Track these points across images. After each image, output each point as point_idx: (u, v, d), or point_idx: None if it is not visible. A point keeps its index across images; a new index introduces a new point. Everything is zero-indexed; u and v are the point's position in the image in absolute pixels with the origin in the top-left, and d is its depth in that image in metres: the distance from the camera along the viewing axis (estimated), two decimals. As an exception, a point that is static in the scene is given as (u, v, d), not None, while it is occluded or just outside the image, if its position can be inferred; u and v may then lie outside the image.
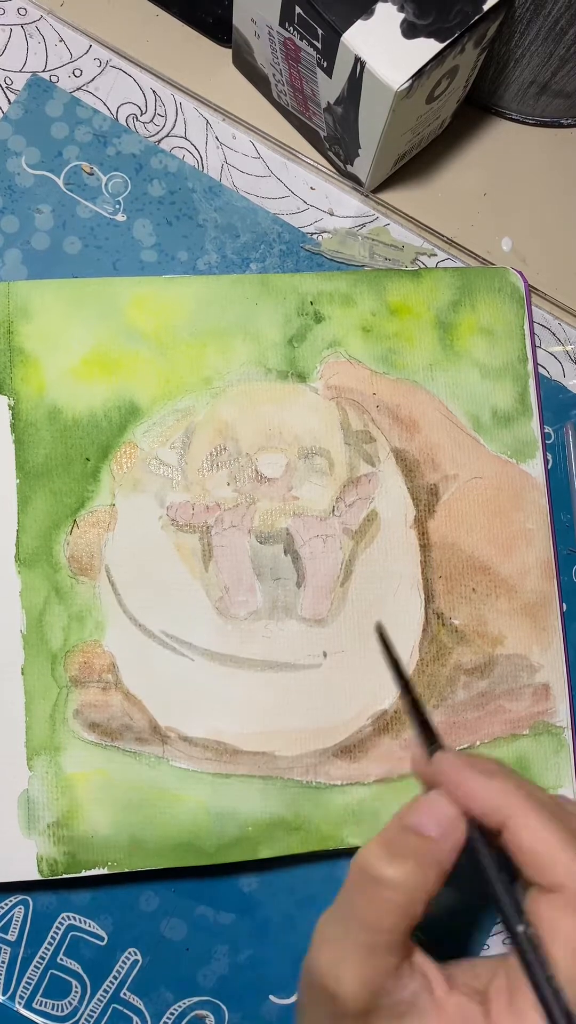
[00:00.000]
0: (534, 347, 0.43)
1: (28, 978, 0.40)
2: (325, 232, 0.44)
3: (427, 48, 0.36)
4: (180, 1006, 0.40)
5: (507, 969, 0.29)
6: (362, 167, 0.43)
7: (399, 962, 0.29)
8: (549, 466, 0.43)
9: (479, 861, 0.30)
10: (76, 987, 0.40)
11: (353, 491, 0.41)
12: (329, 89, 0.39)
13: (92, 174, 0.44)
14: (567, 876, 0.28)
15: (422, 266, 0.44)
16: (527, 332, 0.42)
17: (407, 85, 0.36)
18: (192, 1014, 0.40)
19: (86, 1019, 0.39)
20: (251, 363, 0.41)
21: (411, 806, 0.31)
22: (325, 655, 0.40)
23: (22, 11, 0.44)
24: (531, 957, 0.28)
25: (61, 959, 0.40)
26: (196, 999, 0.40)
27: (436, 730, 0.32)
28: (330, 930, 0.30)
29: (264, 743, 0.39)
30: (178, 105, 0.44)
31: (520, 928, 0.28)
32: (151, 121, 0.44)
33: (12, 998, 0.39)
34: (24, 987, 0.39)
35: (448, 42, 0.36)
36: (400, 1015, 0.29)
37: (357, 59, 0.36)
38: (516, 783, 0.30)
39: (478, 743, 0.40)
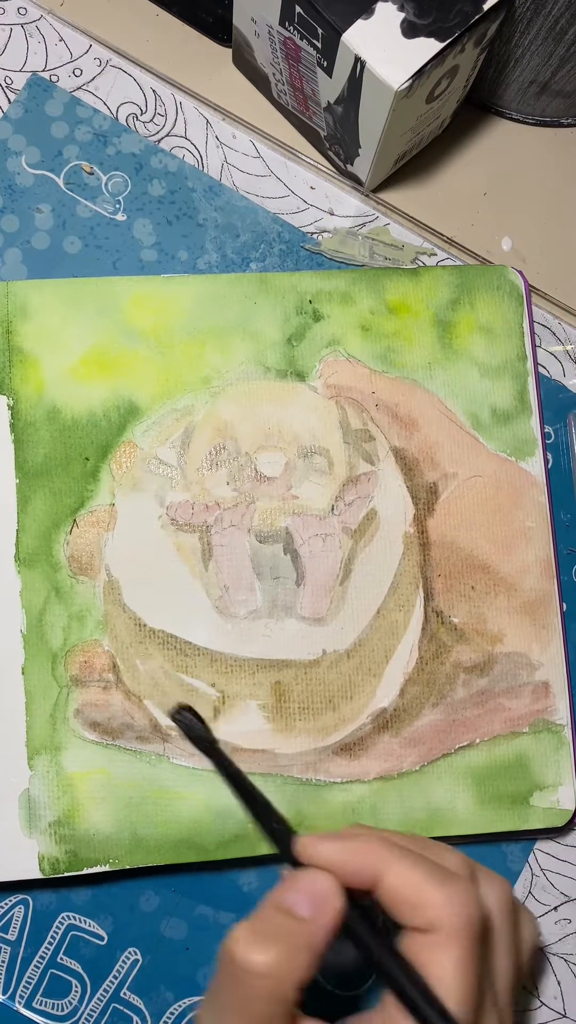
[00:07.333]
0: (534, 346, 0.43)
1: (28, 978, 0.39)
2: (325, 232, 0.44)
3: (427, 48, 0.36)
4: (180, 1006, 0.40)
5: (400, 1017, 0.28)
6: (362, 167, 0.43)
7: None
8: (549, 465, 0.43)
9: (358, 935, 0.29)
10: (76, 987, 0.40)
11: (352, 490, 0.41)
12: (329, 89, 0.40)
13: (92, 174, 0.44)
14: (439, 912, 0.28)
15: (422, 266, 0.44)
16: (526, 330, 0.43)
17: (407, 85, 0.36)
18: (192, 1014, 0.40)
19: (86, 1019, 0.39)
20: (250, 362, 0.41)
21: (283, 884, 0.29)
22: (324, 653, 0.40)
23: (22, 11, 0.44)
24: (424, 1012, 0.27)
25: (61, 959, 0.40)
26: (196, 999, 0.40)
27: (285, 820, 0.31)
28: (207, 1017, 0.29)
29: (264, 741, 0.39)
30: (178, 105, 0.44)
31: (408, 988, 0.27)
32: (151, 121, 0.44)
33: (12, 998, 0.39)
34: (24, 987, 0.39)
35: (448, 42, 0.36)
36: None
37: (357, 59, 0.36)
38: (378, 837, 0.30)
39: (478, 741, 0.40)
